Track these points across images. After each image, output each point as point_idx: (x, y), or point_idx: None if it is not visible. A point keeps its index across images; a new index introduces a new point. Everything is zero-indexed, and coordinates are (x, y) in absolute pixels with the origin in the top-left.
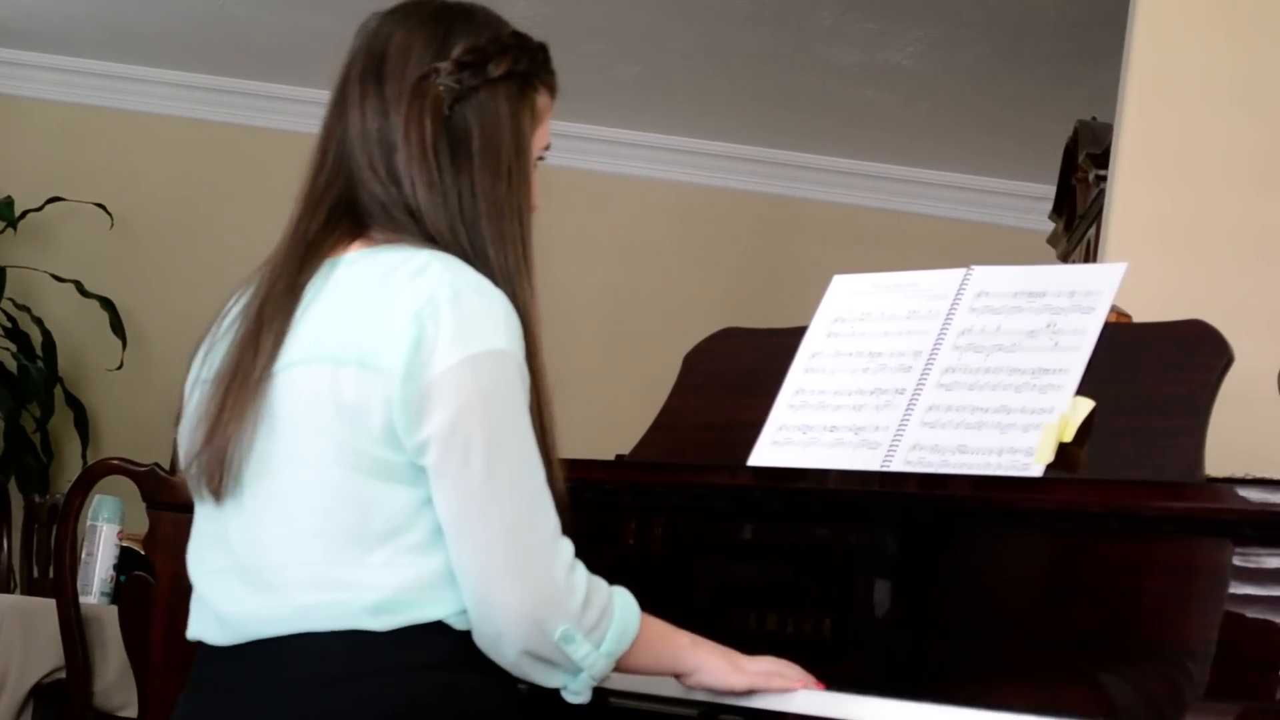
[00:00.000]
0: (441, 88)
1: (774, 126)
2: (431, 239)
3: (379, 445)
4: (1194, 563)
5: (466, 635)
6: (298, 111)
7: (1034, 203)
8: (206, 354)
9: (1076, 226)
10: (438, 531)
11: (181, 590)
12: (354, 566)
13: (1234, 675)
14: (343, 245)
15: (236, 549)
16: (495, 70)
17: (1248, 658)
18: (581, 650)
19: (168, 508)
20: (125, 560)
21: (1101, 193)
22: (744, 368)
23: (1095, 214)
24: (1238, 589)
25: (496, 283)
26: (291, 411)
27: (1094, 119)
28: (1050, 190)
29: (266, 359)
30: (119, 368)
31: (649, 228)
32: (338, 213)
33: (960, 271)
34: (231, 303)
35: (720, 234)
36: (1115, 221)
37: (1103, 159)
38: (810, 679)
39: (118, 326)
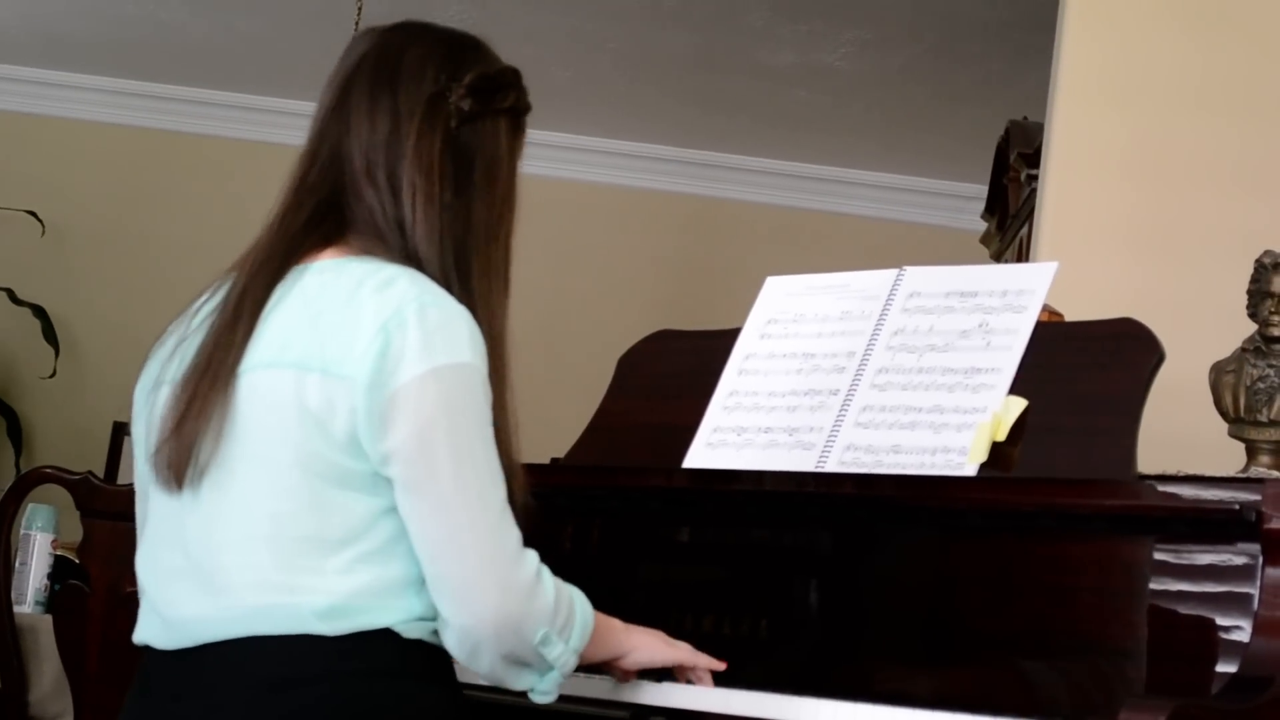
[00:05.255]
0: (453, 107)
1: (707, 129)
2: (410, 256)
3: (341, 453)
4: (1128, 560)
5: (415, 644)
6: (229, 117)
7: (966, 202)
8: (174, 351)
9: (1009, 226)
10: (394, 540)
11: (116, 599)
12: (308, 572)
13: (1170, 671)
14: (318, 249)
15: (191, 548)
16: (502, 102)
17: (1183, 654)
18: (556, 650)
19: (102, 516)
20: (59, 569)
21: (1033, 192)
22: (678, 370)
23: (1027, 213)
24: (1171, 586)
25: (475, 307)
26: (253, 414)
27: (1025, 118)
28: (982, 190)
29: (236, 354)
30: (52, 376)
31: (583, 231)
32: (321, 212)
33: (893, 272)
34: (202, 301)
35: (654, 236)
36: (1047, 220)
37: (1034, 158)
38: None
39: (50, 334)
